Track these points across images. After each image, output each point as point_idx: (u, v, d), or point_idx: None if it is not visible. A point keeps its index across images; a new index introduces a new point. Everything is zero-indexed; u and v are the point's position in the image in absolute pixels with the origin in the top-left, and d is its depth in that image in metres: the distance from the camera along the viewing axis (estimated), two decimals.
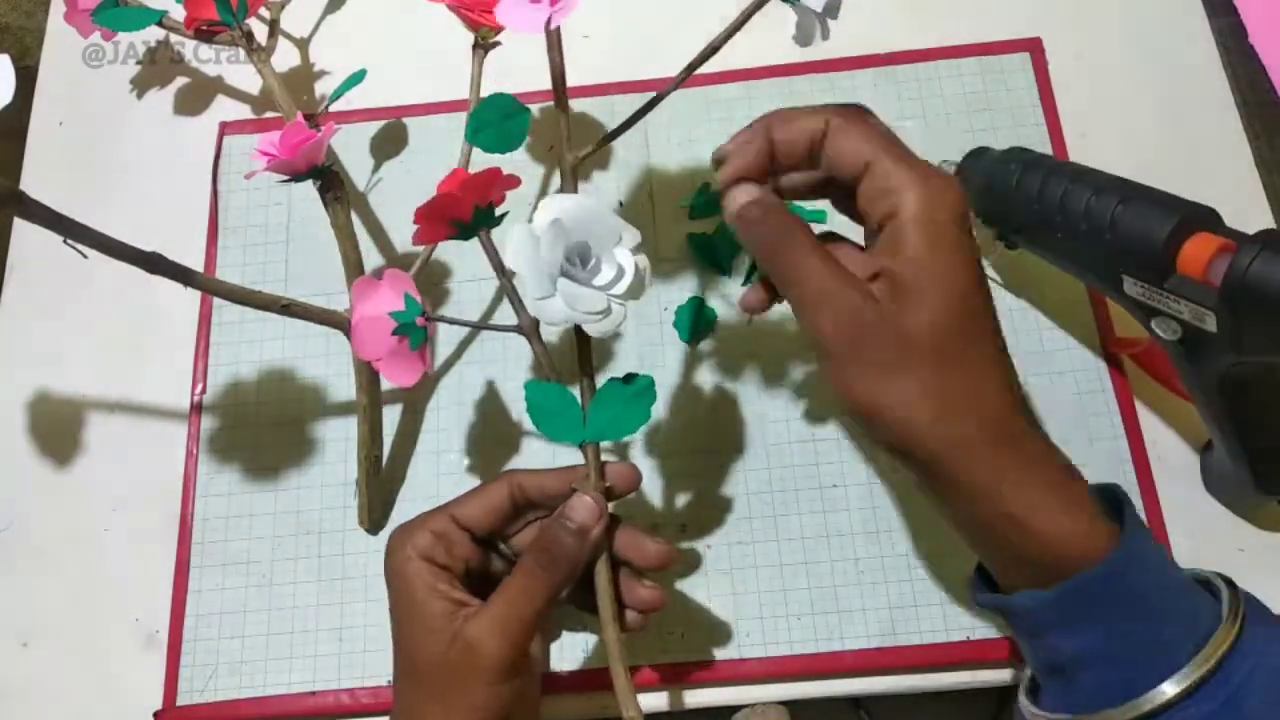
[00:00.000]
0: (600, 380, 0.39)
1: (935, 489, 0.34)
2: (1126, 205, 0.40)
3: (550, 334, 0.41)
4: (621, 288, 0.38)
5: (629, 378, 0.38)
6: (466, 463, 0.51)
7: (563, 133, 0.41)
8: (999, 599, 0.35)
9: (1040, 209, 0.43)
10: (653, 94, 0.40)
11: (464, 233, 0.40)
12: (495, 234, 0.40)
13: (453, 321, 0.44)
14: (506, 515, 0.41)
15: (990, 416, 0.33)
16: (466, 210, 0.39)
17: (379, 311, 0.39)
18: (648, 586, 0.40)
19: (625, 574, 0.41)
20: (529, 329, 0.40)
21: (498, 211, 0.40)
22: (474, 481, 0.51)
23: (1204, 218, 0.39)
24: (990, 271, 0.52)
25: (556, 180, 0.57)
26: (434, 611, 0.37)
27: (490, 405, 0.52)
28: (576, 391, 0.39)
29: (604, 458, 0.40)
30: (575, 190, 0.41)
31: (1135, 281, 0.40)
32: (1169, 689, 0.31)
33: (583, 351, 0.40)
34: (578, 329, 0.39)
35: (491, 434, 0.52)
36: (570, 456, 0.43)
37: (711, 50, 0.38)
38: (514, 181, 0.40)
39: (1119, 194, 0.40)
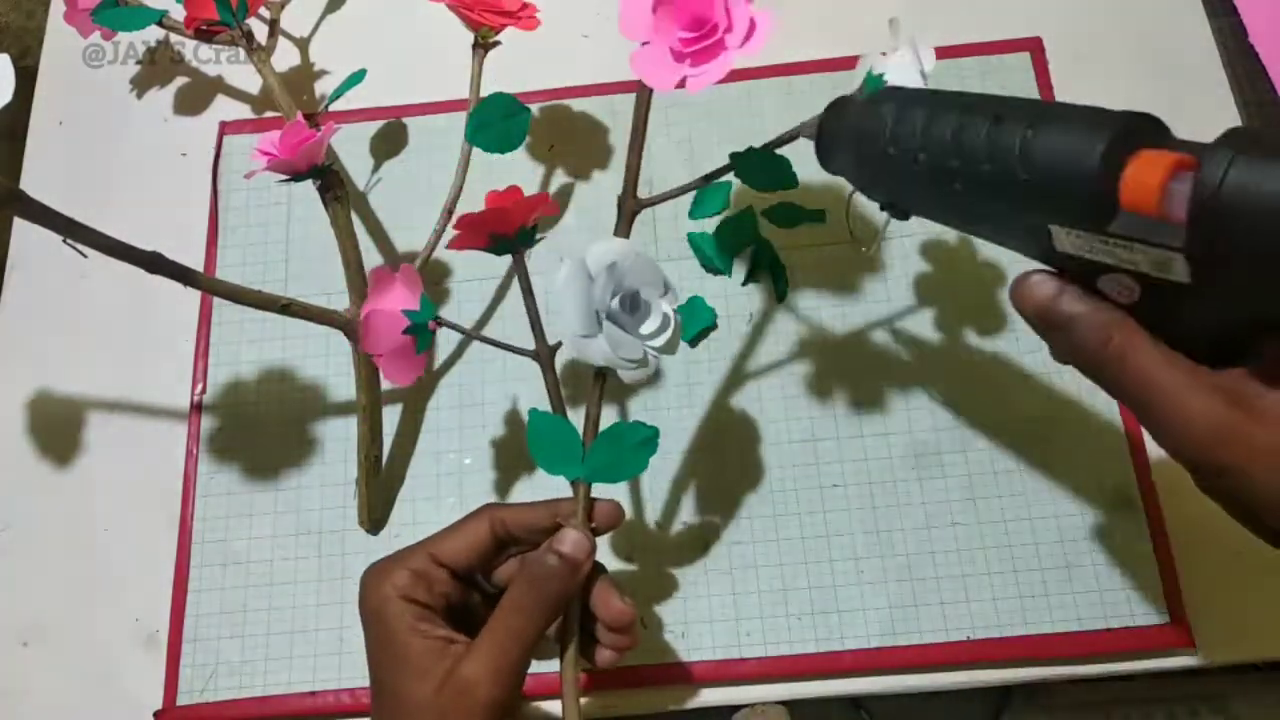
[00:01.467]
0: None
1: None
2: (1039, 130, 0.29)
3: (560, 360, 0.40)
4: (662, 340, 0.38)
5: (637, 425, 0.38)
6: (467, 462, 0.51)
7: (629, 175, 0.41)
8: None
9: (927, 155, 0.32)
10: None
11: (501, 247, 0.40)
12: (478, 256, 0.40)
13: (469, 334, 0.43)
14: (488, 552, 0.39)
15: None
16: (513, 227, 0.39)
17: (392, 307, 0.39)
18: (620, 635, 0.39)
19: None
20: (545, 358, 0.40)
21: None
22: (474, 481, 0.51)
23: (1145, 130, 0.29)
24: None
25: (557, 180, 0.57)
26: (419, 651, 0.35)
27: (491, 406, 0.52)
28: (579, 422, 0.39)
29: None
30: (628, 236, 0.41)
31: (1068, 232, 0.30)
32: None
33: (599, 390, 0.40)
34: (600, 369, 0.39)
35: (492, 435, 0.52)
36: None
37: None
38: (554, 209, 0.40)
39: (1027, 118, 0.30)
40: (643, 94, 0.40)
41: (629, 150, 0.41)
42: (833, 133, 0.38)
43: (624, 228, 0.41)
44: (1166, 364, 0.29)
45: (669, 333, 0.38)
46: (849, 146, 0.37)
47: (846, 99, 0.38)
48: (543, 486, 0.49)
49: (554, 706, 0.47)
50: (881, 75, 0.37)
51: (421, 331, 0.39)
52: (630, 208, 0.41)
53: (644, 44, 0.37)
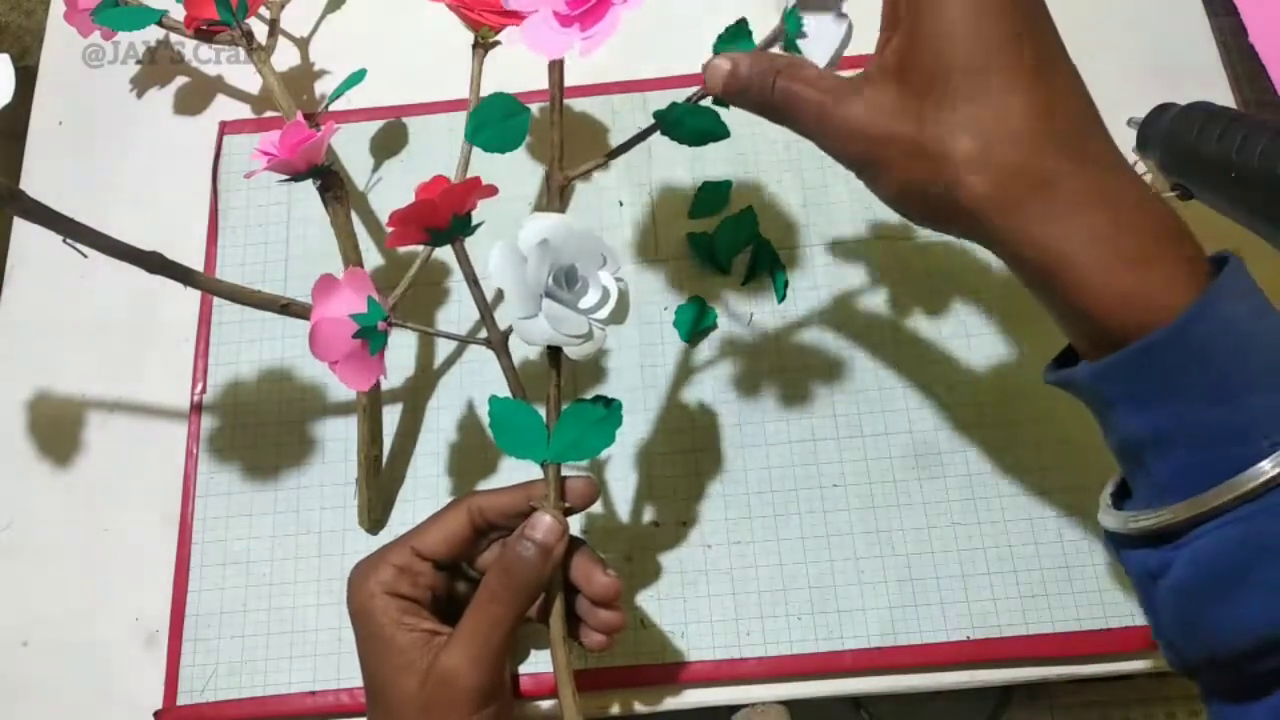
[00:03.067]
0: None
1: (983, 244, 0.32)
2: None
3: (531, 350, 0.40)
4: (605, 312, 0.37)
5: (598, 400, 0.38)
6: (467, 462, 0.51)
7: (554, 151, 0.41)
8: (1062, 374, 0.32)
9: (1217, 156, 0.45)
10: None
11: (438, 239, 0.40)
12: (472, 244, 0.40)
13: (418, 329, 0.42)
14: (468, 541, 0.39)
15: (1007, 154, 0.29)
16: (444, 218, 0.39)
17: (339, 313, 0.38)
18: (607, 611, 0.39)
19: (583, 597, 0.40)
20: (498, 344, 0.39)
21: (474, 220, 0.40)
22: (473, 482, 0.51)
23: None
24: None
25: None
26: (404, 646, 0.36)
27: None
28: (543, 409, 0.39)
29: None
30: (561, 209, 0.41)
31: None
32: (1269, 467, 0.27)
33: (555, 370, 0.39)
34: (553, 349, 0.38)
35: (491, 436, 0.52)
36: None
37: None
38: (490, 190, 0.40)
39: None
40: (554, 67, 0.40)
41: (550, 125, 0.41)
42: (1153, 124, 0.50)
43: (554, 202, 0.41)
44: (818, 80, 0.33)
45: (610, 304, 0.37)
46: (1162, 140, 0.49)
47: (1169, 105, 0.50)
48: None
49: (555, 706, 0.47)
50: (795, 8, 0.38)
51: (372, 334, 0.38)
52: (558, 182, 0.41)
53: (532, 13, 0.37)
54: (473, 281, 0.39)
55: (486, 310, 0.40)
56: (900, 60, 0.31)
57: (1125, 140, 0.53)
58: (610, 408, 0.38)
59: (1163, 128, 0.50)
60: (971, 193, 0.30)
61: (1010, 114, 0.29)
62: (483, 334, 0.40)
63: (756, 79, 0.33)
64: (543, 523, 0.37)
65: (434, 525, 0.39)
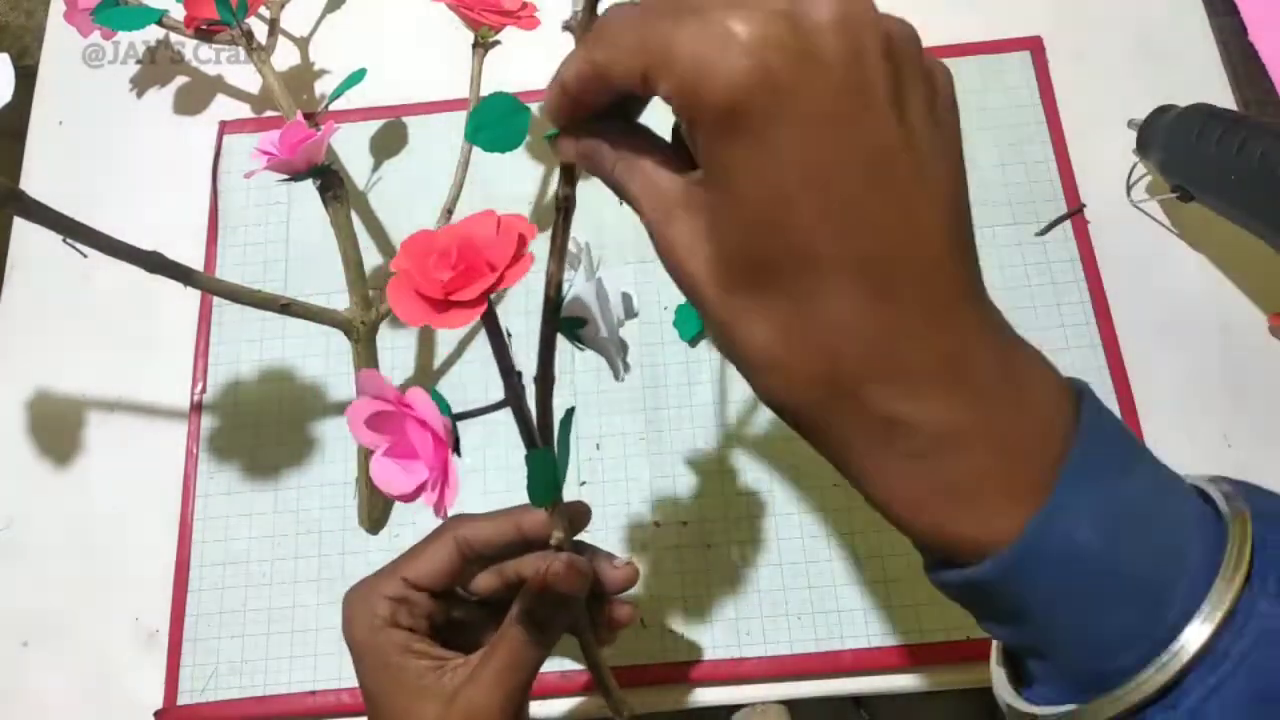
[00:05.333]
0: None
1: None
2: None
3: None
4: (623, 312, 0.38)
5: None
6: (466, 461, 0.51)
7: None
8: (937, 575, 0.26)
9: (1218, 158, 0.45)
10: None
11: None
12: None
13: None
14: (458, 572, 0.38)
15: (809, 361, 0.24)
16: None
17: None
18: (620, 604, 0.39)
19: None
20: (513, 402, 0.34)
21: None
22: (473, 481, 0.51)
23: None
24: (1168, 224, 0.54)
25: (556, 180, 0.57)
26: (419, 672, 0.35)
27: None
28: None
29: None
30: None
31: None
32: (1133, 690, 0.23)
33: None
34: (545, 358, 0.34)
35: (492, 433, 0.52)
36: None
37: None
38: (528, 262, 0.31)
39: None
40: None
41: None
42: (1154, 124, 0.50)
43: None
44: (652, 183, 0.26)
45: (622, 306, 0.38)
46: (1163, 141, 0.49)
47: (1169, 106, 0.50)
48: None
49: (556, 707, 0.47)
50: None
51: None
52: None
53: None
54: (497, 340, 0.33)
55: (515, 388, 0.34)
56: (707, 210, 0.25)
57: (1127, 141, 0.53)
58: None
59: (1163, 129, 0.50)
60: (764, 389, 0.25)
61: (822, 313, 0.24)
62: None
63: (594, 153, 0.28)
64: (566, 575, 0.35)
65: (422, 557, 0.38)
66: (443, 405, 0.31)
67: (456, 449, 0.31)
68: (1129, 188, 0.54)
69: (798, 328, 0.24)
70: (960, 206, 0.25)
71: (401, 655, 0.36)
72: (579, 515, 0.39)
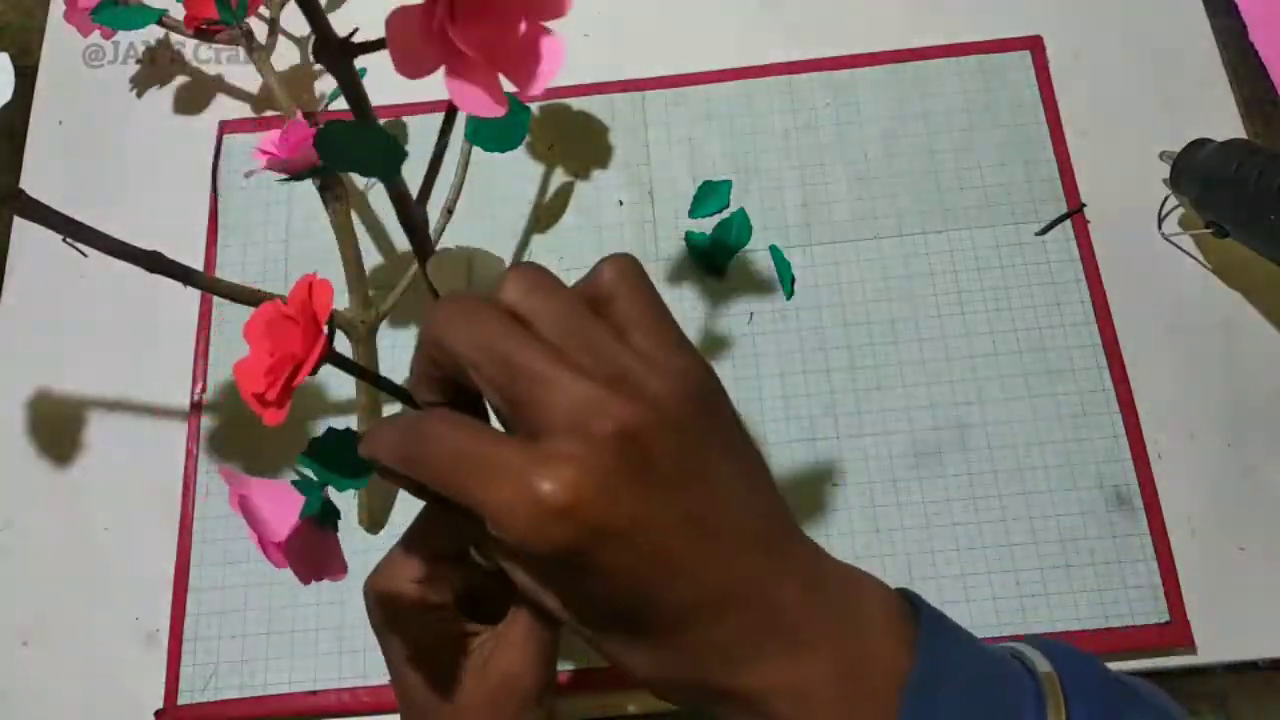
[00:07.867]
0: None
1: None
2: None
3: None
4: None
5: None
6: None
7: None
8: None
9: (1256, 195, 0.44)
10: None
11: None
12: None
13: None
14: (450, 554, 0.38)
15: (692, 676, 0.27)
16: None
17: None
18: None
19: None
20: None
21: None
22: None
23: None
24: (1201, 259, 0.53)
25: (557, 179, 0.57)
26: (452, 645, 0.36)
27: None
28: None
29: None
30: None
31: None
32: None
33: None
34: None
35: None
36: None
37: None
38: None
39: None
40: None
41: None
42: (1187, 160, 0.49)
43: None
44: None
45: None
46: (1199, 176, 0.48)
47: (1204, 140, 0.49)
48: None
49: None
50: None
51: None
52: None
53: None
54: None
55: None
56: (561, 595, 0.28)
57: (1158, 172, 0.53)
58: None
59: (1198, 164, 0.49)
60: (654, 693, 0.29)
61: (684, 645, 0.27)
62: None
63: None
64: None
65: (423, 535, 0.38)
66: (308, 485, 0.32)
67: (331, 524, 0.34)
68: (1160, 220, 0.53)
69: (669, 659, 0.27)
70: (755, 480, 0.29)
71: (435, 638, 0.36)
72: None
